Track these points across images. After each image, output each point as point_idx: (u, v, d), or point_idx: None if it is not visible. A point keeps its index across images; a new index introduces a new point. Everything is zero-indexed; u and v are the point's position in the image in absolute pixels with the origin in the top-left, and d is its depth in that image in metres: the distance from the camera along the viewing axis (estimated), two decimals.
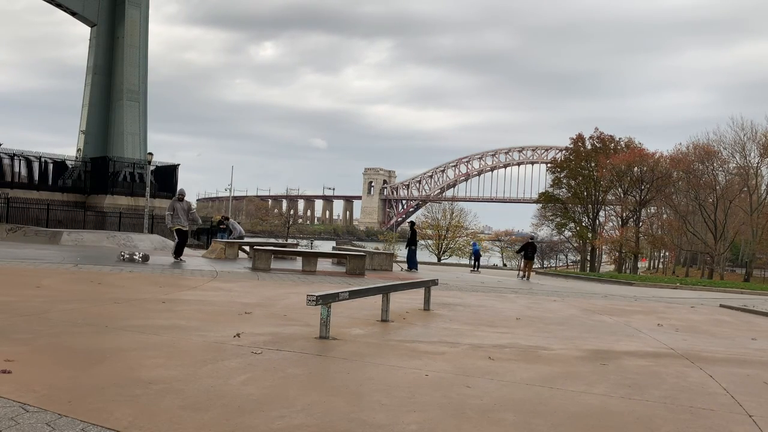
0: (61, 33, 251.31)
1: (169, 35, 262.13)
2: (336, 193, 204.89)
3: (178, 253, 17.49)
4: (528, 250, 25.86)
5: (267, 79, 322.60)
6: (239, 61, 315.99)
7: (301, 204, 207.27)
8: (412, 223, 26.54)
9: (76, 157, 41.22)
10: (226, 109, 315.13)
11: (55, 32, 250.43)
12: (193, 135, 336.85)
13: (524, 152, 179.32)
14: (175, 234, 17.82)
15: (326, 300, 6.90)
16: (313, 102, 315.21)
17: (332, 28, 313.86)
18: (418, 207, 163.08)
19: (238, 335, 6.67)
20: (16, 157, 37.09)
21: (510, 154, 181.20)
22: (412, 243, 24.34)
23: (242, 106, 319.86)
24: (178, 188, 19.39)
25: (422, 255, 62.72)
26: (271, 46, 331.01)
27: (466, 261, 58.58)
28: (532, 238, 29.84)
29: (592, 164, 66.42)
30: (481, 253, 41.82)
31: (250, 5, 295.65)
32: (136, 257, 16.18)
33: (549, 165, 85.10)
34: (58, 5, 41.63)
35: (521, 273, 26.35)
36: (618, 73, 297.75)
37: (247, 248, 21.57)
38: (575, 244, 72.87)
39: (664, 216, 64.79)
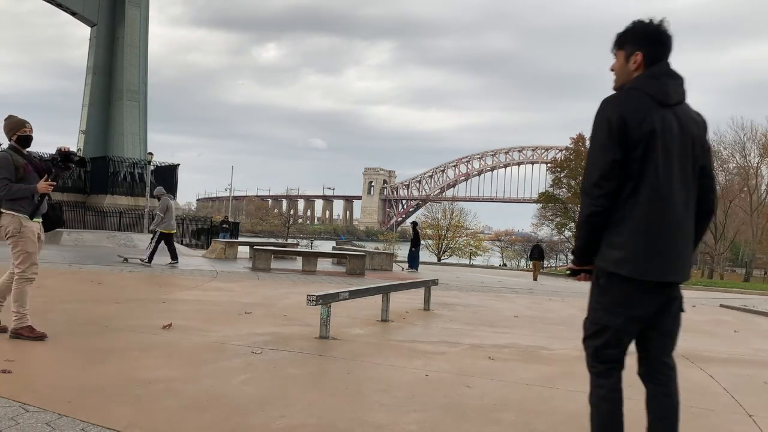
0: (64, 34, 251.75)
1: (172, 37, 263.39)
2: (336, 193, 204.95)
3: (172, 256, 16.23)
4: (534, 252, 28.15)
5: (269, 80, 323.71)
6: (242, 63, 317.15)
7: (301, 204, 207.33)
8: (414, 224, 26.65)
9: None
10: (228, 109, 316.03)
11: (59, 34, 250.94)
12: (194, 135, 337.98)
13: (524, 152, 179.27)
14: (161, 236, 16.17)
15: (326, 300, 6.89)
16: (314, 103, 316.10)
17: (334, 30, 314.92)
18: (418, 207, 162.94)
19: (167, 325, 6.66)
20: None
21: (510, 153, 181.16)
22: (414, 244, 24.38)
23: (244, 107, 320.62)
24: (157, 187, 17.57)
25: (422, 255, 62.76)
26: (274, 47, 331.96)
27: (466, 261, 58.61)
28: (539, 241, 32.43)
29: None
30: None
31: (254, 7, 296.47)
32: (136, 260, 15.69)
33: (549, 165, 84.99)
34: (58, 5, 41.68)
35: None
36: None
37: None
38: None
39: None
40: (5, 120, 5.98)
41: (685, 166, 2.80)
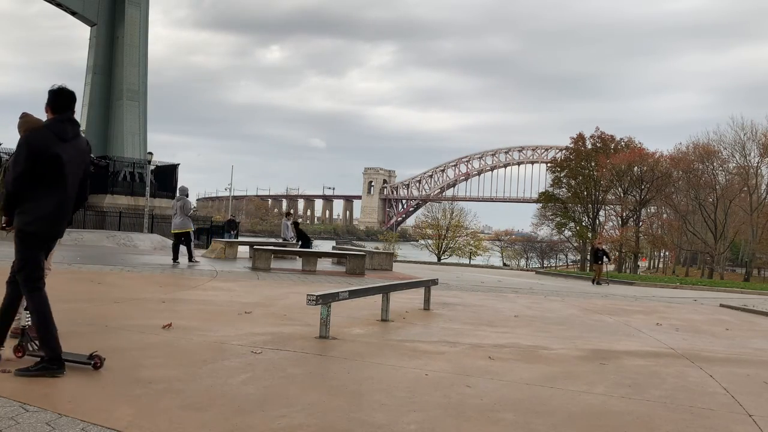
0: (72, 36, 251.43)
1: (177, 38, 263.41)
2: (336, 193, 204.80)
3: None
4: (597, 254, 27.36)
5: (272, 82, 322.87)
6: (245, 64, 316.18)
7: (301, 204, 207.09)
8: (296, 224, 26.86)
9: None
10: (230, 110, 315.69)
11: (68, 35, 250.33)
12: (195, 135, 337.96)
13: (524, 152, 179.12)
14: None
15: (326, 300, 6.90)
16: (316, 104, 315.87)
17: (337, 32, 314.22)
18: (418, 206, 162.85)
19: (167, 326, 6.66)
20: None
21: (510, 153, 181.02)
22: (303, 240, 24.73)
23: (246, 108, 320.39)
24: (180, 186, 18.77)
25: (423, 255, 62.85)
26: (278, 49, 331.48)
27: (466, 260, 58.61)
28: (600, 244, 31.74)
29: (592, 164, 66.37)
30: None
31: (258, 10, 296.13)
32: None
33: (549, 164, 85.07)
34: (58, 4, 41.61)
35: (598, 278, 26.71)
36: (618, 75, 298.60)
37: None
38: (575, 244, 72.82)
39: (664, 216, 64.73)
40: (21, 118, 5.89)
41: (76, 175, 4.89)
